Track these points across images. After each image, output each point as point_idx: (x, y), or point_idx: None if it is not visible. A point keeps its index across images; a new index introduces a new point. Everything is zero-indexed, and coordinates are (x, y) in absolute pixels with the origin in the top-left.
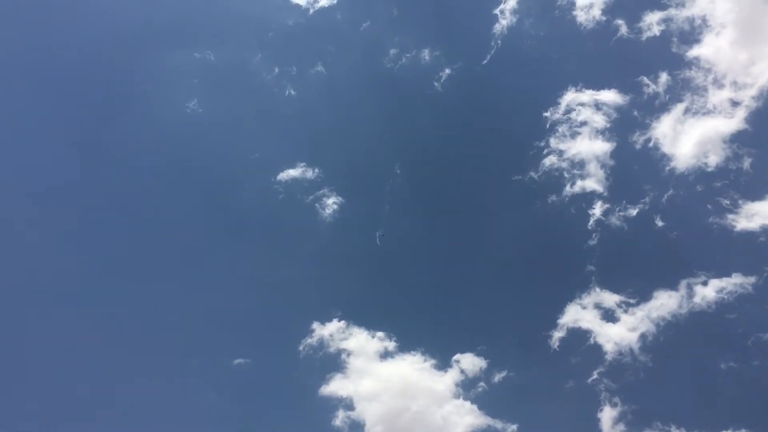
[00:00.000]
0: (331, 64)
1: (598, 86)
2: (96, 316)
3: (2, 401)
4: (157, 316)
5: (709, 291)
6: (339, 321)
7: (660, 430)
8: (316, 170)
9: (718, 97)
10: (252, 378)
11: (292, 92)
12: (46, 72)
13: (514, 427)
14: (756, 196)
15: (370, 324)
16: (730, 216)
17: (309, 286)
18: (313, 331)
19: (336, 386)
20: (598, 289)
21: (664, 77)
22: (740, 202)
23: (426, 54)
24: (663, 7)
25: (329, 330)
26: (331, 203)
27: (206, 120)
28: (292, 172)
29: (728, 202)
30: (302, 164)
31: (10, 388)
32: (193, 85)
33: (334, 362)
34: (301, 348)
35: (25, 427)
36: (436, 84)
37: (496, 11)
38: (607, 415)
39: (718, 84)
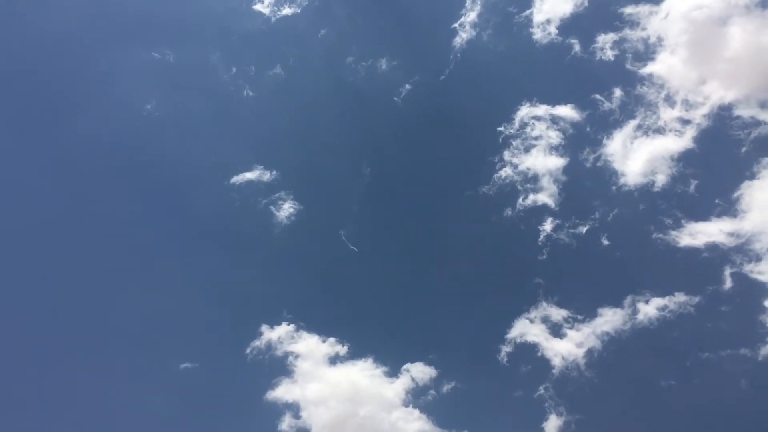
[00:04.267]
0: (290, 67)
1: (552, 101)
2: (40, 316)
3: None
4: (103, 318)
5: (651, 309)
6: (288, 324)
7: None
8: (273, 173)
9: (669, 114)
10: (198, 382)
11: (250, 93)
12: None
13: None
14: (700, 217)
15: (321, 329)
16: (674, 233)
17: (260, 289)
18: (261, 333)
19: (283, 391)
20: (545, 304)
21: (617, 93)
22: (683, 221)
23: (383, 63)
24: (617, 28)
25: (278, 333)
26: (288, 207)
27: (163, 122)
28: (249, 175)
29: (671, 221)
30: (259, 167)
31: None
32: (152, 86)
33: (281, 366)
34: (248, 351)
35: None
36: (396, 99)
37: (456, 25)
38: (553, 424)
39: (670, 101)
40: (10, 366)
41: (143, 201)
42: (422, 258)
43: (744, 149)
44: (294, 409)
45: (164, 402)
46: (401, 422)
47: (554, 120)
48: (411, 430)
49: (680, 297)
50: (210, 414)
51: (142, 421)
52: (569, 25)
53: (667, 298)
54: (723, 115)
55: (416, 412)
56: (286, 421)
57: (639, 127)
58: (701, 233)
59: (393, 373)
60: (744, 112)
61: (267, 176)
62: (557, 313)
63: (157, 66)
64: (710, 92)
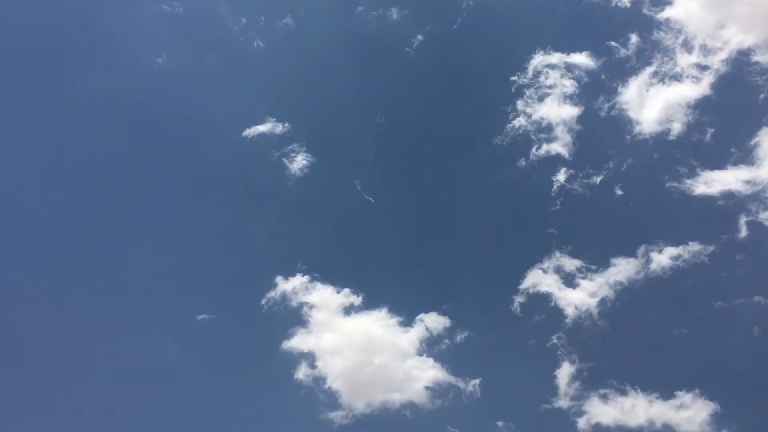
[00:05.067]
0: (300, 18)
1: (567, 49)
2: (56, 270)
3: None
4: (120, 271)
5: (664, 258)
6: (303, 275)
7: (615, 388)
8: (286, 125)
9: (686, 60)
10: (215, 333)
11: (261, 44)
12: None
13: (476, 381)
14: (716, 165)
15: (335, 280)
16: (689, 181)
17: (274, 241)
18: (276, 285)
19: (298, 340)
20: (558, 254)
21: (633, 39)
22: (699, 170)
23: (394, 13)
24: None
25: (293, 284)
26: (300, 159)
27: (175, 75)
28: (261, 128)
29: (686, 170)
30: (272, 119)
31: None
32: (162, 39)
33: (296, 316)
34: (263, 302)
35: None
36: (408, 50)
37: None
38: (565, 371)
39: (688, 47)
40: (27, 320)
41: (156, 155)
42: (436, 209)
43: (762, 96)
44: (309, 358)
45: (182, 352)
46: (415, 371)
47: (568, 68)
48: (425, 378)
49: (694, 246)
50: (227, 364)
51: (160, 371)
52: None
53: (681, 247)
54: (741, 61)
55: (430, 360)
56: (302, 370)
57: (655, 74)
58: (716, 182)
59: (407, 323)
60: (763, 57)
61: (279, 128)
62: (570, 263)
63: (166, 18)
64: (729, 37)
